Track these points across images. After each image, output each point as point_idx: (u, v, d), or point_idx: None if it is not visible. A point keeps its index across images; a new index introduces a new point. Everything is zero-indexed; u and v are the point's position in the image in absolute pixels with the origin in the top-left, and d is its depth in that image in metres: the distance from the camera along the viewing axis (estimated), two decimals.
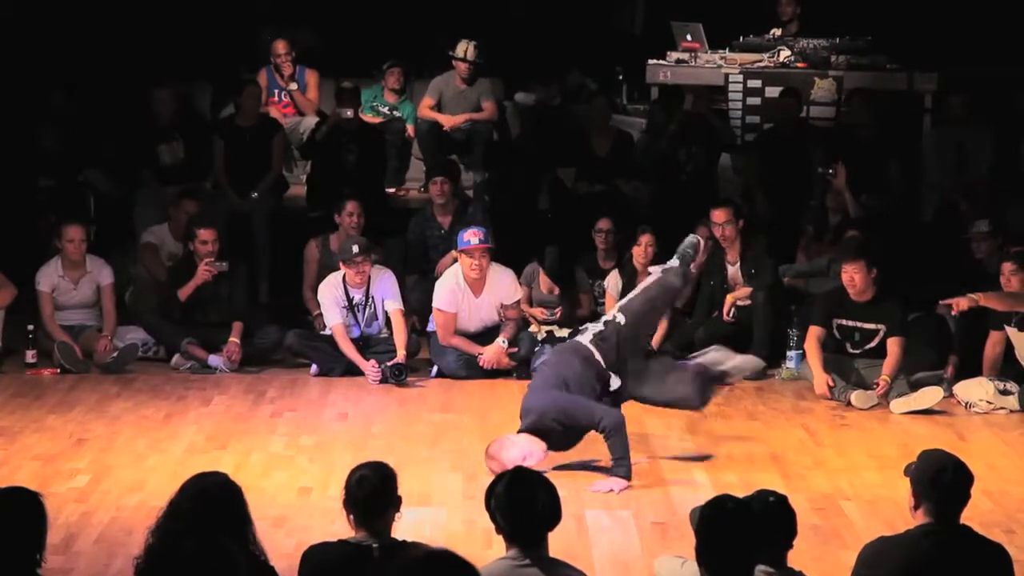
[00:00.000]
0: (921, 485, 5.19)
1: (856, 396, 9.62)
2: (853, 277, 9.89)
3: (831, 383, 9.73)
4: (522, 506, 4.75)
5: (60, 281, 10.45)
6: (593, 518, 7.26)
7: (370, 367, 9.98)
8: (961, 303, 9.52)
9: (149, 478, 7.75)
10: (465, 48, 12.52)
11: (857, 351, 10.00)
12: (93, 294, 10.53)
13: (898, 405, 9.45)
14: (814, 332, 9.98)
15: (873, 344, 9.95)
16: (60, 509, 6.94)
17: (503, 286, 10.19)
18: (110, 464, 8.09)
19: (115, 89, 12.82)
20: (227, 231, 11.19)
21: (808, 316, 10.20)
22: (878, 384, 9.63)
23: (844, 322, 10.02)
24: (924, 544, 5.13)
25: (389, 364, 9.95)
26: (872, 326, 9.96)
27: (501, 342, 10.04)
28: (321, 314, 10.45)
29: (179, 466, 7.78)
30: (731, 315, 10.64)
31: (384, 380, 9.94)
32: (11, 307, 10.40)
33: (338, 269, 10.32)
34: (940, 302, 9.88)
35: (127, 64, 12.94)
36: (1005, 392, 9.61)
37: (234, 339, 10.30)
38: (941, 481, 5.16)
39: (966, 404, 9.63)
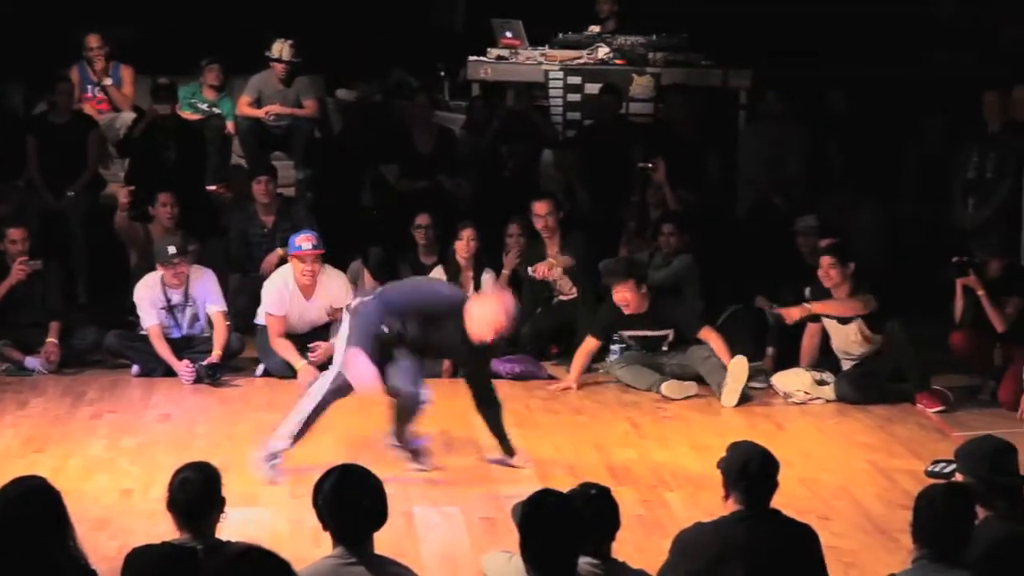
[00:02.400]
0: (730, 476, 5.30)
1: (666, 386, 9.78)
2: (624, 296, 9.95)
3: (574, 387, 9.92)
4: (348, 505, 4.74)
5: None
6: (421, 515, 7.26)
7: (183, 367, 9.88)
8: (793, 313, 9.75)
9: None
10: (280, 48, 12.42)
11: (656, 352, 10.15)
12: None
13: (728, 398, 9.58)
14: (589, 343, 10.10)
15: (667, 344, 10.13)
16: None
17: (334, 289, 10.11)
18: None
19: None
20: (41, 230, 11.01)
21: (590, 325, 10.26)
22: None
23: (632, 333, 10.17)
24: (736, 529, 5.23)
25: (203, 364, 9.87)
26: (658, 333, 10.12)
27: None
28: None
29: None
30: (556, 307, 10.76)
31: (199, 380, 9.85)
32: None
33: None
34: (774, 309, 10.05)
35: None
36: (821, 383, 9.80)
37: (51, 339, 10.12)
38: (747, 471, 5.27)
39: (784, 394, 9.80)
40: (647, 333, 10.13)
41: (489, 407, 8.03)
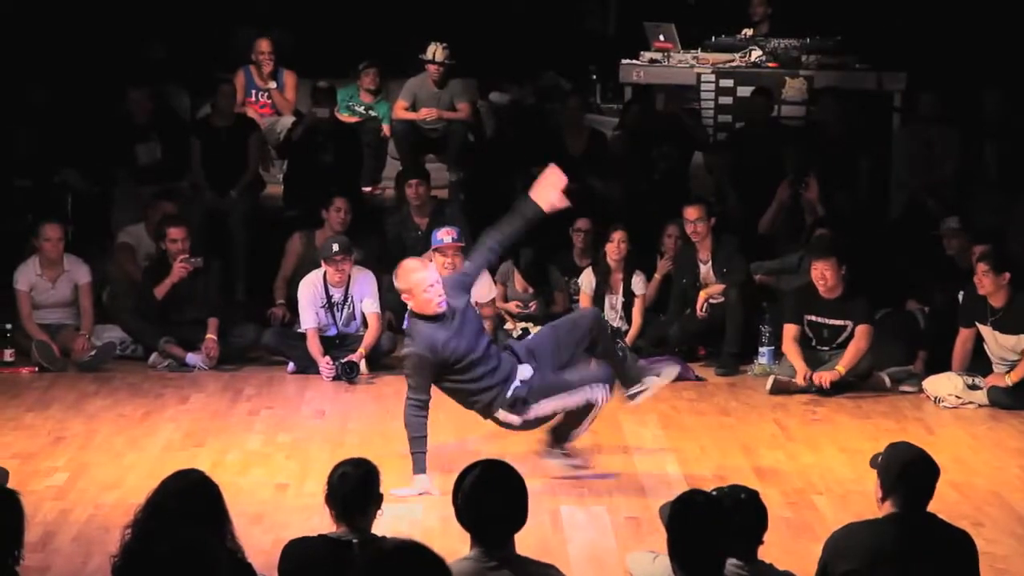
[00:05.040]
0: (888, 477, 5.22)
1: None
2: (824, 274, 9.96)
3: (810, 375, 9.78)
4: (486, 505, 4.59)
5: (38, 280, 10.44)
6: (568, 513, 7.26)
7: (324, 364, 10.00)
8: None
9: (127, 476, 7.74)
10: (434, 50, 12.52)
11: (825, 348, 10.06)
12: (71, 293, 10.51)
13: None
14: (790, 331, 10.06)
15: (840, 340, 10.02)
16: (38, 507, 6.93)
17: (478, 285, 10.16)
18: (87, 462, 8.08)
19: (92, 88, 12.78)
20: (203, 230, 11.21)
21: (780, 314, 10.27)
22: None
23: (813, 318, 10.09)
24: (891, 530, 5.17)
25: (342, 361, 9.97)
26: (840, 322, 10.03)
27: None
28: (282, 303, 10.63)
29: (157, 464, 7.78)
30: (704, 311, 10.67)
31: (337, 377, 9.95)
32: None
33: (318, 265, 10.34)
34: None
35: (103, 63, 12.90)
36: (973, 387, 9.66)
37: (211, 335, 10.32)
38: (908, 474, 5.20)
39: (935, 399, 9.68)
40: (831, 321, 10.05)
41: None
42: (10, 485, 4.79)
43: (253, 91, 12.86)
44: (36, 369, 10.12)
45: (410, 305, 7.60)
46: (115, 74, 12.73)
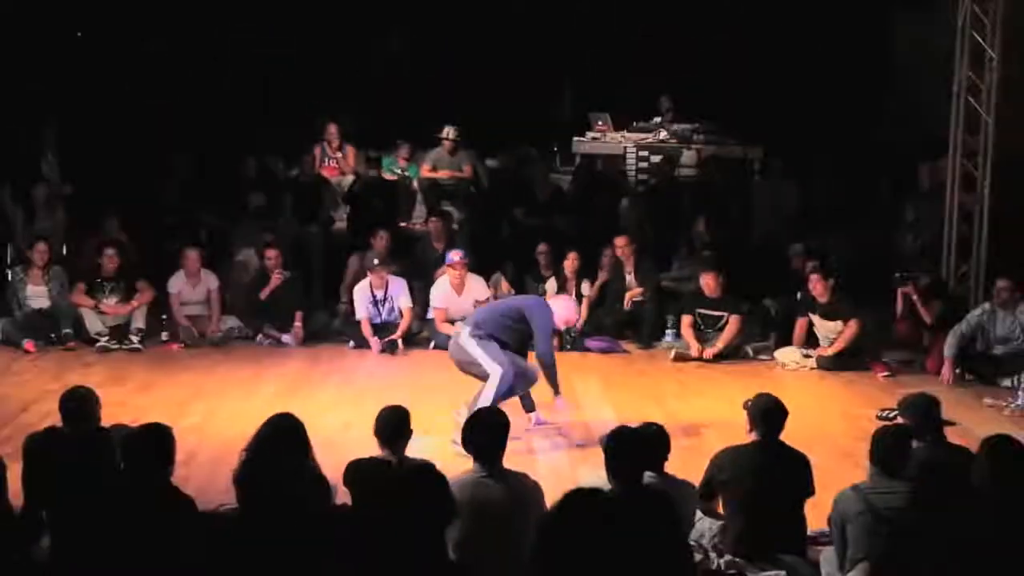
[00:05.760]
0: (754, 416, 5.28)
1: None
2: (709, 281, 9.97)
3: (700, 349, 9.78)
4: (481, 437, 4.72)
5: (183, 286, 10.42)
6: (537, 442, 7.26)
7: (374, 342, 9.97)
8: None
9: (242, 416, 7.64)
10: (447, 132, 12.50)
11: (709, 330, 10.08)
12: (205, 294, 10.49)
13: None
14: (686, 319, 10.09)
15: (720, 325, 10.04)
16: (183, 437, 6.79)
17: (477, 289, 10.22)
18: (216, 407, 8.08)
19: (218, 153, 12.74)
20: (293, 252, 11.19)
21: (680, 308, 10.28)
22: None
23: (702, 311, 10.11)
24: (755, 452, 5.22)
25: (386, 340, 9.94)
26: (719, 314, 10.06)
27: None
28: (349, 301, 10.52)
29: (263, 408, 7.59)
30: (629, 306, 10.70)
31: (383, 351, 9.92)
32: (151, 303, 10.37)
33: (367, 275, 10.31)
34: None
35: (227, 136, 12.86)
36: (807, 356, 9.70)
37: (297, 324, 10.29)
38: (767, 414, 5.24)
39: (782, 364, 9.70)
40: (714, 313, 10.02)
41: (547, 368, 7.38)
42: (163, 422, 4.76)
43: (326, 159, 12.83)
44: (183, 345, 10.10)
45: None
46: (234, 144, 12.70)
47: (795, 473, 5.21)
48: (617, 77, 13.52)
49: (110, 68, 12.91)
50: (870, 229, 11.91)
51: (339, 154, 12.83)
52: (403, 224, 12.54)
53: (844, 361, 9.53)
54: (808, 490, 5.21)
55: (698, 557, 5.02)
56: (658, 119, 13.44)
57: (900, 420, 5.50)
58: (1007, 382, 8.87)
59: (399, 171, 12.86)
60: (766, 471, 5.14)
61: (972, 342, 9.17)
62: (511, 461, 4.86)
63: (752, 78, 13.08)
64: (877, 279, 10.50)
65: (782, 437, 5.27)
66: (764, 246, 11.95)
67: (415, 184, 12.75)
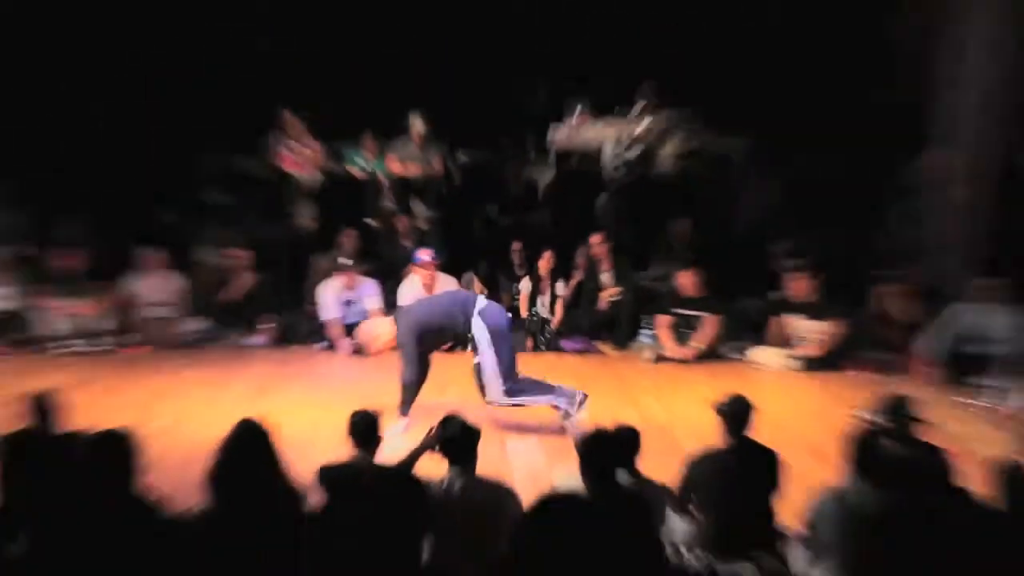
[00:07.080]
0: (726, 417, 5.42)
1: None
2: (686, 282, 10.04)
3: (677, 349, 9.88)
4: (455, 444, 4.85)
5: (147, 287, 10.36)
6: (511, 445, 7.33)
7: (345, 343, 10.01)
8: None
9: (212, 418, 7.66)
10: (414, 122, 12.45)
11: (687, 331, 10.18)
12: (170, 295, 10.49)
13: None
14: (664, 320, 10.14)
15: (697, 325, 10.13)
16: (153, 440, 6.66)
17: (447, 288, 10.24)
18: (185, 409, 8.00)
19: (176, 152, 12.59)
20: (258, 251, 11.14)
21: (657, 308, 10.35)
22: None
23: (680, 311, 10.19)
24: (728, 457, 5.35)
25: (355, 341, 9.93)
26: (697, 314, 10.14)
27: None
28: (314, 303, 10.54)
29: (234, 409, 7.71)
30: (605, 306, 10.75)
31: (355, 352, 9.97)
32: (118, 304, 10.30)
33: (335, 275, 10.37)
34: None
35: (183, 132, 12.68)
36: (785, 356, 9.83)
37: (266, 325, 10.39)
38: (737, 414, 5.38)
39: (759, 364, 9.84)
40: (691, 313, 10.11)
41: None
42: (132, 424, 4.81)
43: (284, 150, 12.63)
44: (150, 347, 10.12)
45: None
46: (192, 140, 12.57)
47: (766, 472, 5.35)
48: (596, 64, 13.43)
49: (65, 62, 12.78)
50: (852, 226, 12.05)
51: (298, 145, 12.74)
52: (370, 221, 12.53)
53: (827, 361, 9.68)
54: (776, 485, 5.35)
55: (670, 554, 5.15)
56: (638, 108, 13.37)
57: (876, 420, 5.63)
58: (980, 380, 9.02)
59: (366, 165, 12.82)
60: (739, 474, 5.29)
61: (953, 342, 9.34)
62: (486, 463, 4.98)
63: (736, 68, 13.01)
64: (859, 277, 10.65)
65: (756, 436, 5.41)
66: (745, 243, 12.05)
67: (383, 180, 12.73)
